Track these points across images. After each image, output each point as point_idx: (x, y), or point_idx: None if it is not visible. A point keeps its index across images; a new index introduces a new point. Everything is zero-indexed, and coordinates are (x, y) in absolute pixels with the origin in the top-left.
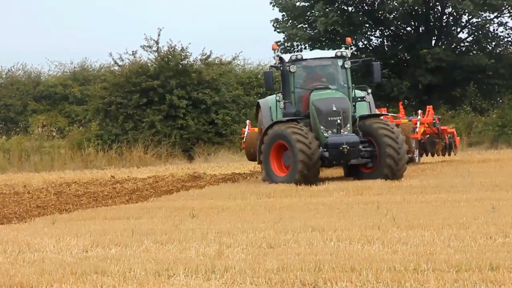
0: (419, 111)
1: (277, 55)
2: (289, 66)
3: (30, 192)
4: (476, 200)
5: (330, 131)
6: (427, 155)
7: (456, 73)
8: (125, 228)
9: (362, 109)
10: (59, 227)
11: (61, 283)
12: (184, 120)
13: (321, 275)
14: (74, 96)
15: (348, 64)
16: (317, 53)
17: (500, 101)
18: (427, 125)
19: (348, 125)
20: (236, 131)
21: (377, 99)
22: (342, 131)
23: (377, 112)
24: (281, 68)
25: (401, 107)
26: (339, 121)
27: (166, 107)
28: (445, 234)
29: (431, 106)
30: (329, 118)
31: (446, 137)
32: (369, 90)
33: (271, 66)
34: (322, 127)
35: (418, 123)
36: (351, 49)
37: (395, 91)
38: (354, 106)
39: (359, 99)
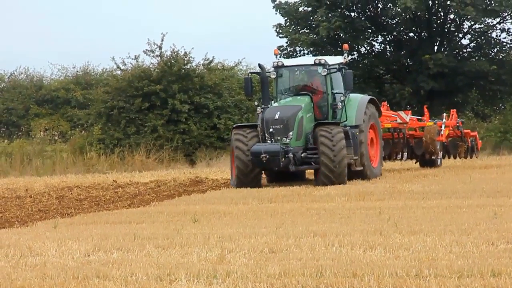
0: (444, 114)
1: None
2: (270, 72)
3: (32, 196)
4: (478, 206)
5: (273, 139)
6: (449, 158)
7: (458, 79)
8: (127, 233)
9: (343, 115)
10: (61, 231)
11: (63, 287)
12: (186, 124)
13: (323, 280)
14: (77, 100)
15: (325, 72)
16: (298, 60)
17: (502, 107)
18: (451, 128)
19: (291, 133)
20: None
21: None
22: (285, 139)
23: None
24: (261, 74)
25: (425, 110)
26: (271, 129)
27: (168, 111)
28: (447, 240)
29: (455, 110)
30: (270, 126)
31: (469, 140)
32: (342, 98)
33: (251, 72)
34: (266, 134)
35: (443, 126)
36: (351, 55)
37: (397, 96)
38: (334, 111)
39: (334, 105)
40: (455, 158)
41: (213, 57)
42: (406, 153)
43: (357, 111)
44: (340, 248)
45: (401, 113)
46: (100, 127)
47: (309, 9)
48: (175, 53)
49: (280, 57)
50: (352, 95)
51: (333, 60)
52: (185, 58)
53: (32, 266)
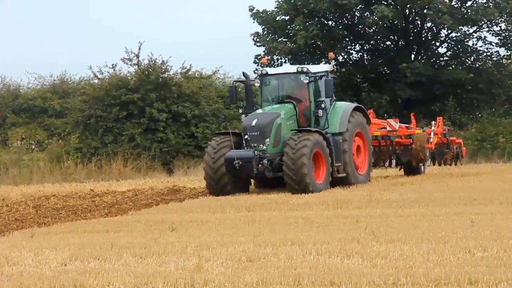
0: (433, 122)
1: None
2: (254, 81)
3: (9, 205)
4: (455, 214)
5: (248, 146)
6: (434, 165)
7: (436, 87)
8: (104, 242)
9: (326, 122)
10: (37, 241)
11: None
12: (164, 133)
13: None
14: (54, 109)
15: (306, 80)
16: (281, 68)
17: (479, 115)
18: (439, 136)
19: (268, 139)
20: None
21: None
22: (262, 145)
23: (343, 124)
24: (245, 82)
25: (412, 117)
26: (247, 136)
27: (146, 120)
28: (424, 248)
29: (441, 118)
30: (247, 133)
31: (454, 147)
32: (322, 105)
33: (235, 80)
34: (244, 141)
35: (432, 133)
36: (335, 63)
37: (375, 105)
38: (317, 119)
39: (316, 113)
40: (440, 165)
41: (190, 65)
42: (394, 161)
43: (341, 119)
44: (318, 256)
45: (391, 121)
46: (77, 136)
47: (287, 17)
48: (153, 62)
49: (258, 65)
50: (338, 103)
51: (317, 68)
52: (163, 67)
53: (9, 275)
